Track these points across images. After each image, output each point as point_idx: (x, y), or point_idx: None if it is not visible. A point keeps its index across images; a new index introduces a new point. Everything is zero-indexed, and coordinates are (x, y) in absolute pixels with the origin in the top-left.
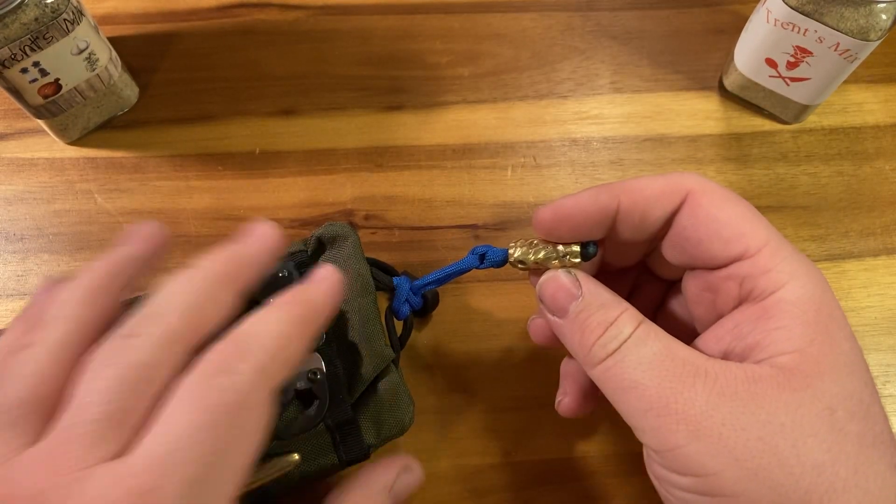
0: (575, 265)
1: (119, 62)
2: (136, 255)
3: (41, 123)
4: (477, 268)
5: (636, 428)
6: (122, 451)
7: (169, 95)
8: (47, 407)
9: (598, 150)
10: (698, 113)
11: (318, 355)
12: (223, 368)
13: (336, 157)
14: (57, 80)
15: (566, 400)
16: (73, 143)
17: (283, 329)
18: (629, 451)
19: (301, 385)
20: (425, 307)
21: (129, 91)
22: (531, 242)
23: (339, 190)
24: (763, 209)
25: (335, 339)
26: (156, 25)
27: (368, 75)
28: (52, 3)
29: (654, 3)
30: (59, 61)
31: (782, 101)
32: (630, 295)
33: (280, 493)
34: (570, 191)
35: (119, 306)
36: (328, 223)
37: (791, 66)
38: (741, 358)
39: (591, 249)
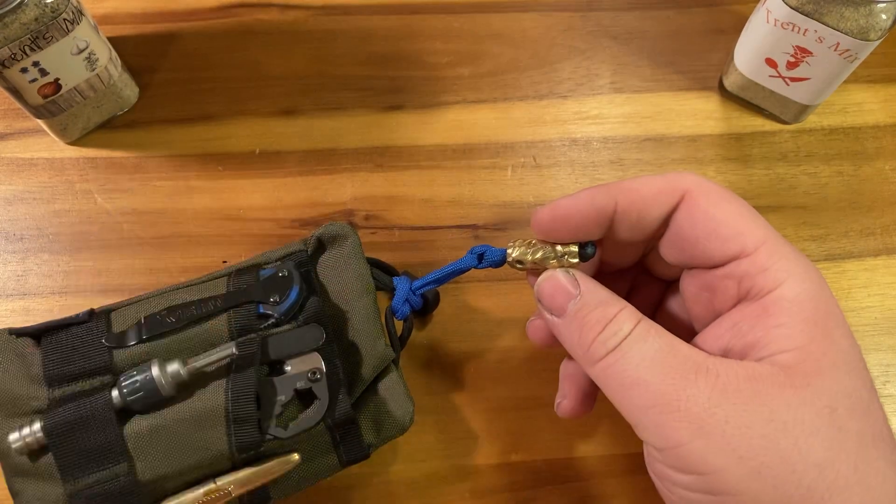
0: (573, 265)
1: (119, 62)
2: None
3: (41, 123)
4: (475, 267)
5: (637, 425)
6: None
7: (169, 95)
8: None
9: (598, 150)
10: (698, 113)
11: (318, 355)
12: None
13: (336, 157)
14: (57, 79)
15: (565, 402)
16: (73, 143)
17: None
18: (629, 451)
19: (301, 385)
20: (426, 307)
21: (129, 91)
22: (529, 243)
23: (339, 190)
24: (763, 209)
25: (335, 339)
26: (156, 25)
27: (368, 75)
28: (52, 3)
29: (654, 3)
30: (59, 61)
31: (782, 101)
32: (628, 295)
33: (280, 493)
34: (570, 191)
35: None
36: (328, 223)
37: (791, 66)
38: (741, 356)
39: (590, 250)
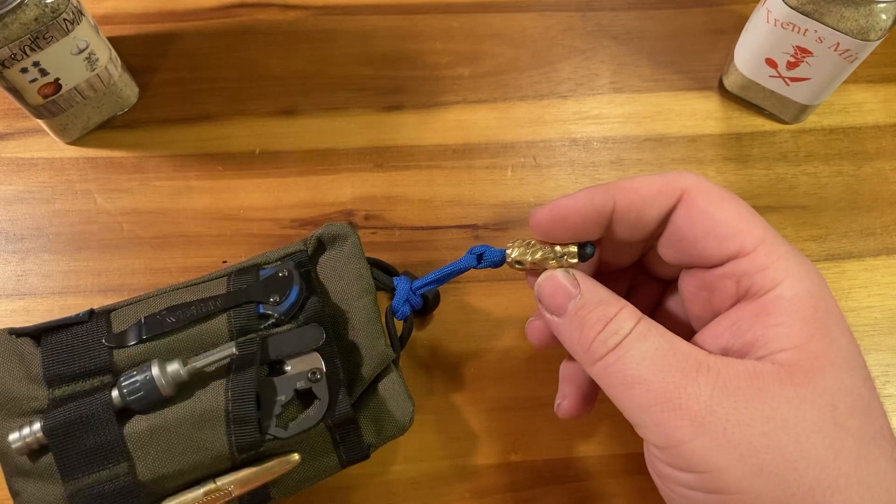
0: (572, 265)
1: (119, 62)
2: None
3: (41, 123)
4: (474, 268)
5: (638, 424)
6: None
7: (169, 95)
8: None
9: (598, 150)
10: (698, 113)
11: (318, 355)
12: None
13: (336, 157)
14: (57, 79)
15: (565, 403)
16: (73, 142)
17: None
18: (629, 451)
19: (301, 385)
20: (426, 307)
21: (129, 91)
22: (529, 243)
23: (339, 190)
24: (763, 209)
25: (335, 339)
26: (156, 25)
27: (368, 75)
28: (52, 3)
29: (654, 3)
30: (59, 61)
31: (782, 101)
32: (627, 295)
33: (280, 493)
34: (570, 191)
35: None
36: (328, 223)
37: (791, 66)
38: (740, 355)
39: (589, 250)
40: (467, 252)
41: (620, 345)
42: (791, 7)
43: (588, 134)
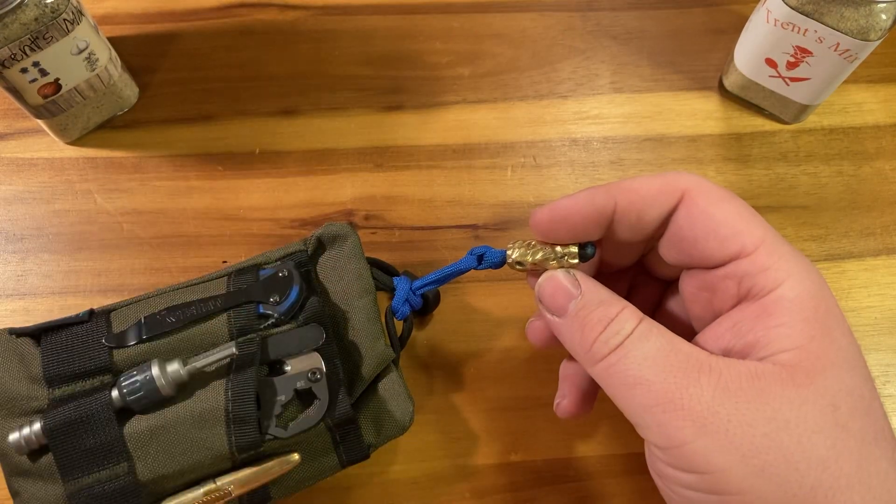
0: (573, 266)
1: (119, 62)
2: None
3: (41, 123)
4: (475, 268)
5: (640, 425)
6: None
7: (169, 95)
8: None
9: (598, 150)
10: (698, 113)
11: (318, 355)
12: None
13: (336, 157)
14: (57, 80)
15: (564, 402)
16: (72, 143)
17: None
18: (629, 451)
19: (301, 385)
20: (426, 307)
21: (129, 91)
22: (529, 244)
23: (339, 190)
24: (763, 209)
25: (335, 338)
26: (156, 25)
27: (368, 75)
28: (52, 3)
29: (654, 3)
30: (59, 61)
31: (782, 101)
32: (628, 295)
33: (280, 493)
34: (570, 191)
35: None
36: (328, 223)
37: (791, 66)
38: (741, 355)
39: (590, 250)
40: (468, 253)
41: (622, 345)
42: (791, 7)
43: (588, 134)
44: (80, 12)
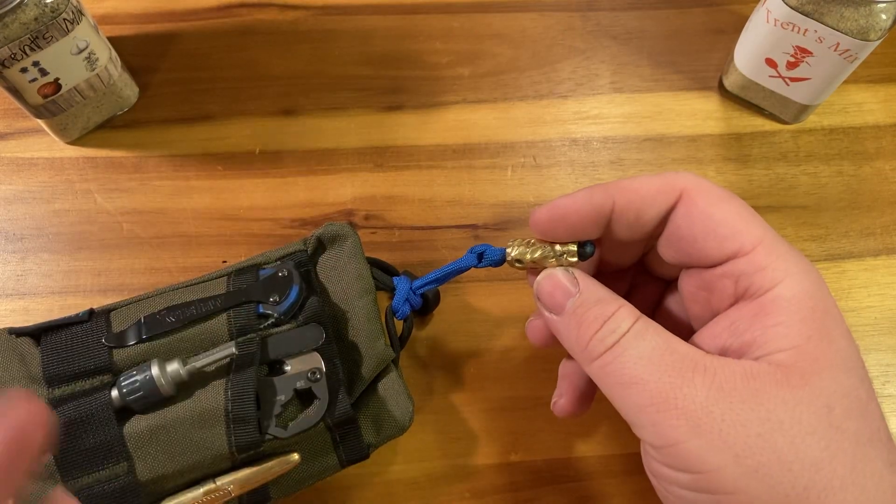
0: (572, 265)
1: (119, 62)
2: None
3: (41, 123)
4: (475, 267)
5: (635, 424)
6: None
7: (169, 95)
8: None
9: (598, 150)
10: (698, 113)
11: (318, 355)
12: None
13: (336, 157)
14: (57, 79)
15: (562, 401)
16: (72, 142)
17: None
18: (629, 451)
19: (301, 385)
20: (426, 306)
21: (129, 91)
22: (529, 242)
23: (339, 190)
24: (763, 209)
25: (335, 338)
26: (156, 25)
27: (368, 75)
28: (51, 2)
29: (654, 3)
30: (59, 61)
31: (782, 101)
32: (628, 294)
33: (280, 493)
34: (570, 190)
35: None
36: (328, 223)
37: (791, 66)
38: (738, 355)
39: (589, 249)
40: (468, 251)
41: (618, 343)
42: (791, 7)
43: (588, 134)
44: (80, 12)
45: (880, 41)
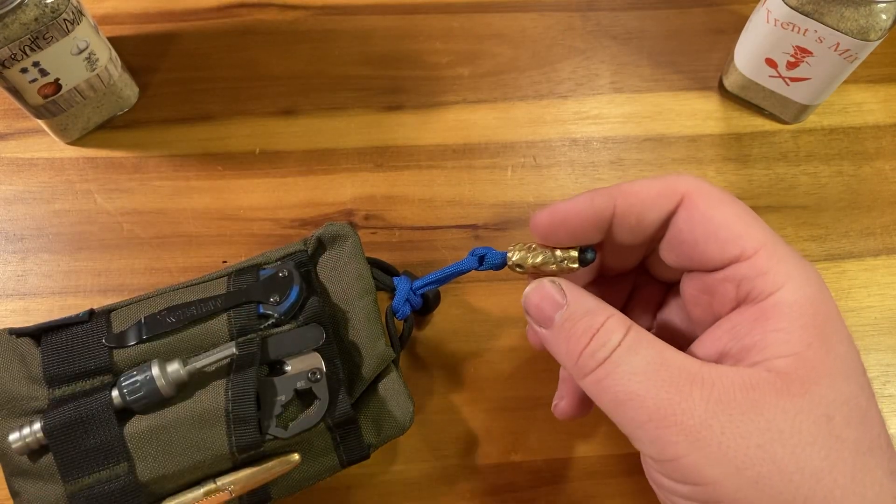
0: (573, 270)
1: (119, 62)
2: None
3: (41, 123)
4: (476, 269)
5: (633, 439)
6: None
7: (169, 95)
8: None
9: (598, 150)
10: (698, 113)
11: (318, 355)
12: None
13: (336, 157)
14: (57, 80)
15: (562, 404)
16: (72, 142)
17: None
18: (629, 451)
19: (301, 385)
20: (426, 307)
21: (129, 91)
22: (530, 247)
23: (339, 190)
24: (763, 209)
25: (335, 339)
26: (156, 25)
27: (368, 75)
28: (52, 3)
29: (654, 3)
30: (59, 61)
31: (782, 101)
32: (630, 297)
33: (280, 493)
34: (570, 191)
35: None
36: (328, 223)
37: (791, 66)
38: (737, 359)
39: (590, 255)
40: (469, 253)
41: (609, 359)
42: (791, 7)
43: (588, 134)
44: (80, 12)
45: (880, 41)
